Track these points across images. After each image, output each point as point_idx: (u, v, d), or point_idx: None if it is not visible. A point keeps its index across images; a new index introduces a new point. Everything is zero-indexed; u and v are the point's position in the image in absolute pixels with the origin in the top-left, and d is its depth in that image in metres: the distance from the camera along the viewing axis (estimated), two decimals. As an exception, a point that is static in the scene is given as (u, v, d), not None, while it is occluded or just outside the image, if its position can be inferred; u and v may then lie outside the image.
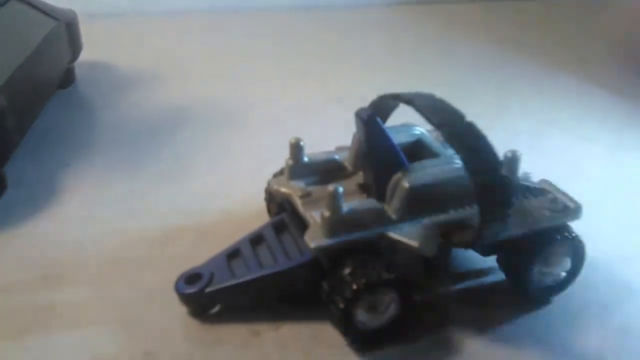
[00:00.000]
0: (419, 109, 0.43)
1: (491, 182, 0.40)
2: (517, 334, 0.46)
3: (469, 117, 0.43)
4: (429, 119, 0.42)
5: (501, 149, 0.44)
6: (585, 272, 0.48)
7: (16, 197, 0.60)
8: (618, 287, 0.50)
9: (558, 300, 0.48)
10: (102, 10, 1.12)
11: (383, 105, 0.48)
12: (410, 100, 0.44)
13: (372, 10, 1.23)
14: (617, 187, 0.64)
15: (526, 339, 0.45)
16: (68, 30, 0.82)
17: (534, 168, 0.52)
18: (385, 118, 0.49)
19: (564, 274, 0.48)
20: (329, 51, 1.00)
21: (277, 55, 0.98)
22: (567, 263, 0.47)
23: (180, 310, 0.46)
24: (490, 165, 0.41)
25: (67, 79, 0.84)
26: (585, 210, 0.47)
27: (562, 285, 0.48)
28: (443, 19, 1.18)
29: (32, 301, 0.48)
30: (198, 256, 0.48)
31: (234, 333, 0.45)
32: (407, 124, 0.51)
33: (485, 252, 0.48)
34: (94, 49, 0.89)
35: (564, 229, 0.46)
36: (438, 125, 0.42)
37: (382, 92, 0.48)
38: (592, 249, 0.48)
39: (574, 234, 0.47)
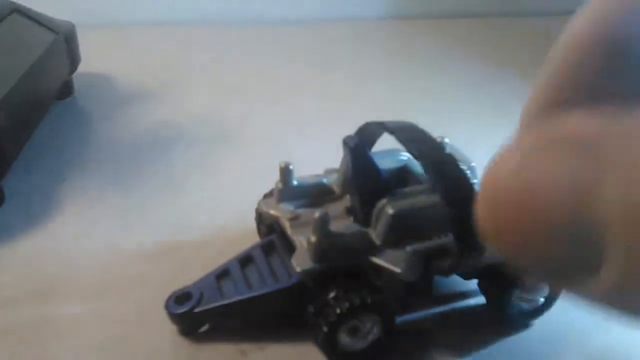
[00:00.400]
0: (399, 139, 0.44)
1: (466, 214, 0.41)
2: (498, 357, 0.47)
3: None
4: (408, 150, 0.44)
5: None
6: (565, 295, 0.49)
7: (12, 211, 0.62)
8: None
9: (539, 323, 0.50)
10: (100, 21, 1.13)
11: (369, 131, 0.50)
12: (392, 130, 0.45)
13: (369, 24, 1.24)
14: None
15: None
16: (67, 43, 0.83)
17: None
18: (372, 143, 0.51)
19: (542, 299, 0.49)
20: (325, 66, 1.01)
21: (274, 70, 0.99)
22: (546, 289, 0.48)
23: (170, 328, 0.48)
24: (465, 197, 0.42)
25: (66, 90, 0.85)
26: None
27: (540, 310, 0.49)
28: (442, 34, 1.19)
29: (24, 316, 0.49)
30: (191, 273, 0.49)
31: (222, 353, 0.47)
32: (394, 149, 0.53)
33: (467, 277, 0.49)
34: (92, 60, 0.91)
35: None
36: (417, 156, 0.43)
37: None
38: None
39: None
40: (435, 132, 0.46)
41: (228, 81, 0.95)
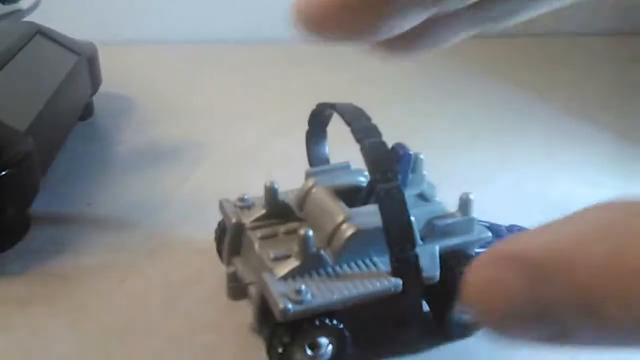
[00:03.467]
0: (345, 120, 0.48)
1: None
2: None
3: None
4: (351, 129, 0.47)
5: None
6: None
7: (37, 236, 0.62)
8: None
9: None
10: (117, 39, 1.14)
11: (322, 114, 0.54)
12: (340, 111, 0.49)
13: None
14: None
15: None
16: (89, 64, 0.84)
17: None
18: (324, 127, 0.55)
19: None
20: (334, 91, 1.02)
21: (300, 87, 1.00)
22: None
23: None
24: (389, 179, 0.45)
25: (87, 111, 0.86)
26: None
27: None
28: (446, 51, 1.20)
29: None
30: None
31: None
32: (347, 164, 0.55)
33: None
34: (111, 79, 0.92)
35: None
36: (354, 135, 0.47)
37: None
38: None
39: None
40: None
41: (250, 102, 0.96)
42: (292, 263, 0.47)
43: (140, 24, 1.21)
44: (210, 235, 0.63)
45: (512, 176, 0.76)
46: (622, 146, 0.85)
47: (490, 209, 0.63)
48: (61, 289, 0.56)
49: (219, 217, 0.65)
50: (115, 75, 0.94)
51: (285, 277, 0.46)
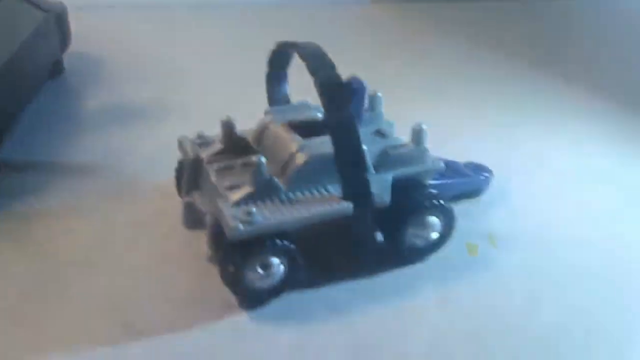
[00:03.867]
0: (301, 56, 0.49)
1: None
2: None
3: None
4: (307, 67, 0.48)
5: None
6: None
7: (3, 182, 0.63)
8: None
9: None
10: (90, 2, 1.14)
11: (281, 54, 0.55)
12: (298, 48, 0.50)
13: (354, 8, 1.26)
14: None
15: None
16: (57, 23, 0.85)
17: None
18: (284, 67, 0.56)
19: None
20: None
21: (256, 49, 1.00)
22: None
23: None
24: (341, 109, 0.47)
25: (57, 69, 0.86)
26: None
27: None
28: (425, 17, 1.21)
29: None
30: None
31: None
32: (306, 102, 0.56)
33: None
34: (82, 41, 0.92)
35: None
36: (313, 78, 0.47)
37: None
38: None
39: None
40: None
41: (212, 61, 0.97)
42: (246, 189, 0.48)
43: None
44: (174, 179, 0.64)
45: (479, 123, 0.77)
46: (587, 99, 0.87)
47: (454, 151, 0.64)
48: (24, 227, 0.57)
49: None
50: (88, 36, 0.94)
51: (238, 203, 0.47)
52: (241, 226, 0.45)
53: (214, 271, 0.49)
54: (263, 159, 0.48)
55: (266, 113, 0.56)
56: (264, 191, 0.48)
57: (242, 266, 0.46)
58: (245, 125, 0.55)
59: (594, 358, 0.45)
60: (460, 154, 0.63)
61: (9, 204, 0.60)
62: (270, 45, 0.56)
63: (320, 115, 0.55)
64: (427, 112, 0.79)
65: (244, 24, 1.14)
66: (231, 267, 0.46)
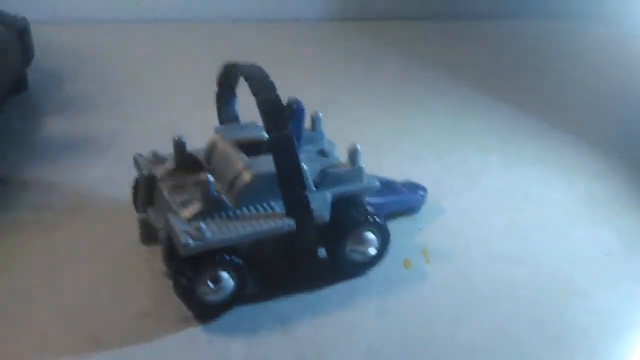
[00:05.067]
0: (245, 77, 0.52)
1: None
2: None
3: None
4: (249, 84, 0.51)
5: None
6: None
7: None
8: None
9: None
10: (54, 17, 1.16)
11: (229, 75, 0.58)
12: (242, 70, 0.53)
13: (307, 25, 1.31)
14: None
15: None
16: (20, 37, 0.87)
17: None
18: (233, 87, 0.59)
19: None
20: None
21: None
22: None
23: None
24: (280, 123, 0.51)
25: (20, 85, 0.88)
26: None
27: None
28: (373, 36, 1.26)
29: None
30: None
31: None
32: (254, 122, 0.59)
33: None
34: (47, 56, 0.94)
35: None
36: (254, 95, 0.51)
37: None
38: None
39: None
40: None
41: (171, 75, 1.00)
42: (196, 206, 0.52)
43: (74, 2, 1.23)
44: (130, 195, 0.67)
45: (413, 142, 0.83)
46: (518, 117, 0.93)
47: (393, 170, 0.69)
48: None
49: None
50: (53, 51, 0.97)
51: (189, 219, 0.51)
52: (192, 242, 0.48)
53: (169, 285, 0.53)
54: (211, 178, 0.52)
55: (216, 131, 0.60)
56: (212, 208, 0.52)
57: (194, 280, 0.50)
58: (200, 141, 0.59)
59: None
60: (397, 172, 0.68)
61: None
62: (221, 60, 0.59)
63: (265, 134, 0.58)
64: (368, 130, 0.85)
65: (203, 40, 1.18)
66: (184, 281, 0.50)
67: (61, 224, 0.63)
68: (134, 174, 0.61)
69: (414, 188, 0.66)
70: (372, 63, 1.12)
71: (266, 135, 0.57)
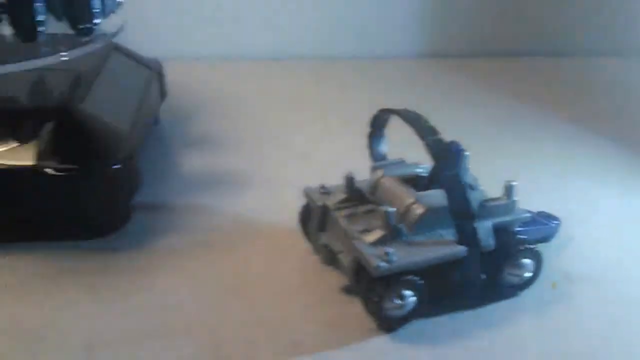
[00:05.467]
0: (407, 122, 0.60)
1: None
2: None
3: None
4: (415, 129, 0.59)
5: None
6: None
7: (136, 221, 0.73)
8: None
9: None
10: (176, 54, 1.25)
11: (381, 118, 0.67)
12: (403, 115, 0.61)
13: (399, 62, 1.38)
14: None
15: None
16: (158, 78, 0.95)
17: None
18: (383, 128, 0.68)
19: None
20: (362, 101, 1.14)
21: (313, 101, 1.12)
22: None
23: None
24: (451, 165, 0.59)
25: (155, 121, 0.97)
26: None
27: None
28: (468, 73, 1.33)
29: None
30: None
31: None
32: (402, 160, 0.68)
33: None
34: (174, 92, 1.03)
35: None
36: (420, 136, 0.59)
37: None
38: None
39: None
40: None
41: (301, 110, 1.09)
42: (379, 233, 0.59)
43: (198, 41, 1.32)
44: (288, 221, 0.74)
45: (534, 176, 0.89)
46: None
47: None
48: (154, 264, 0.68)
49: (290, 206, 0.76)
50: (179, 88, 1.06)
51: (374, 244, 0.58)
52: (382, 264, 0.55)
53: (349, 300, 0.60)
54: (392, 209, 0.59)
55: (374, 168, 0.68)
56: (392, 235, 0.59)
57: (384, 297, 0.57)
58: (335, 168, 0.67)
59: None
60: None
61: (140, 241, 0.71)
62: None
63: (418, 171, 0.67)
64: (486, 165, 0.91)
65: (302, 75, 1.26)
66: (375, 298, 0.57)
67: (233, 246, 0.71)
68: (288, 204, 0.70)
69: (549, 218, 0.72)
70: (469, 100, 1.19)
71: (420, 172, 0.66)
